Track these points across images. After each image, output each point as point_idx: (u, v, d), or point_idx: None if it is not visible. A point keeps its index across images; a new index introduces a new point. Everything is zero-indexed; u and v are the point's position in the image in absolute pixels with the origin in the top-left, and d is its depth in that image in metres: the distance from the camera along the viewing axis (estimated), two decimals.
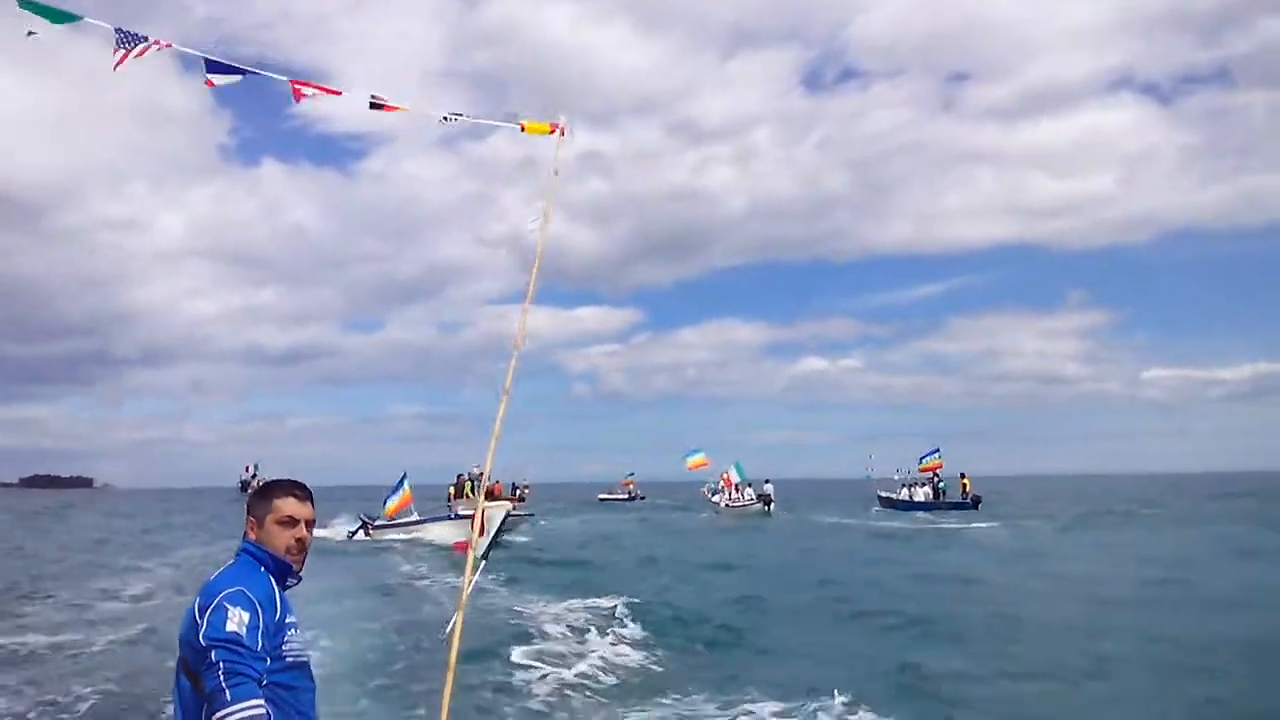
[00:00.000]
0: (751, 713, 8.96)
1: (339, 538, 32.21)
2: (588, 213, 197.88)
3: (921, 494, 43.21)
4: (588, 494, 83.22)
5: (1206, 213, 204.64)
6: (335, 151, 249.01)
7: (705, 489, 53.00)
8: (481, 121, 5.64)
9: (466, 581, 4.56)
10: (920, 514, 40.13)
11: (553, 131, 5.29)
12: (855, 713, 8.80)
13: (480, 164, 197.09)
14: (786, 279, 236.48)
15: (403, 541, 30.79)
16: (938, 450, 42.98)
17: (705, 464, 50.62)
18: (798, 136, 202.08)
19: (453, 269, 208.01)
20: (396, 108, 5.23)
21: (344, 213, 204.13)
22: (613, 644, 12.36)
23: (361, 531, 32.92)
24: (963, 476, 43.44)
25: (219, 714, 2.56)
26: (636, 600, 15.69)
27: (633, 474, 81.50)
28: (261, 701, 2.62)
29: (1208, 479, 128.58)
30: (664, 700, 9.57)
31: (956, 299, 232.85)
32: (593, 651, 11.88)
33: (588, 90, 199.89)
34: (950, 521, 36.10)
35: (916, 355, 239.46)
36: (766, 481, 48.40)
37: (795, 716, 8.78)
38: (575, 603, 15.61)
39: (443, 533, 30.29)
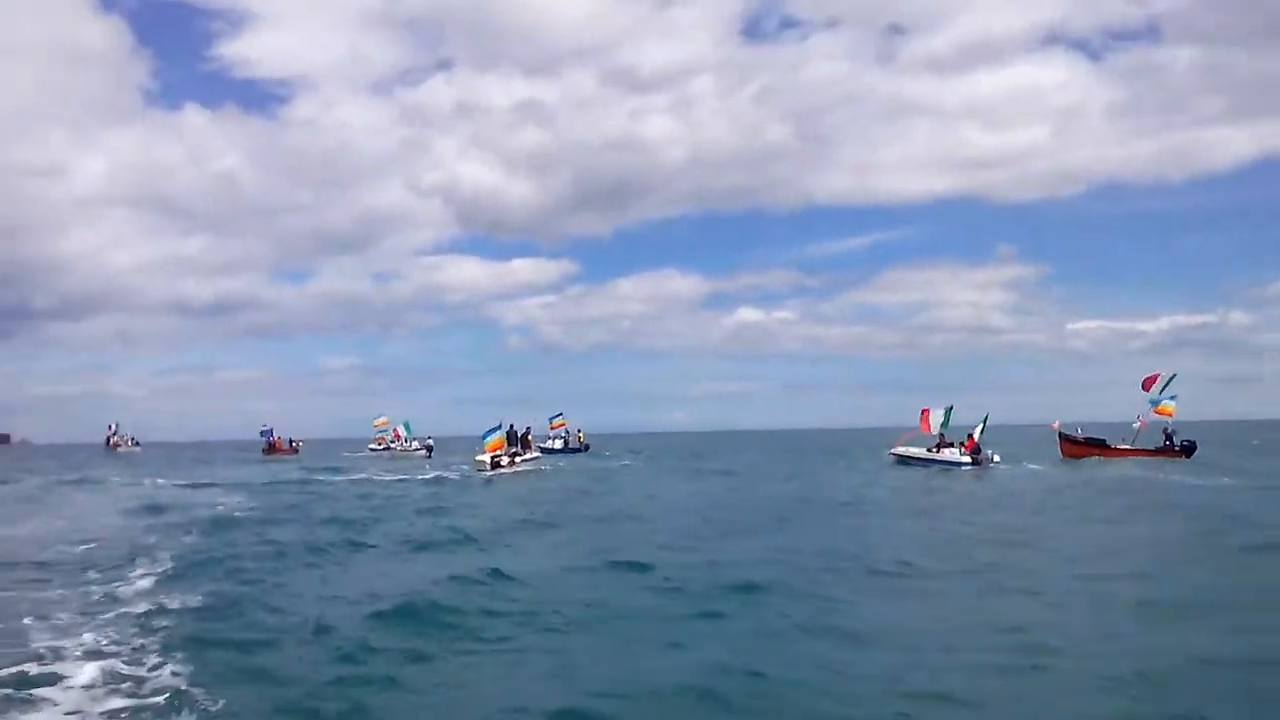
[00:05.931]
0: None
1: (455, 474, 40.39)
2: (525, 162, 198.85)
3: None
4: None
5: (1131, 167, 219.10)
6: (259, 96, 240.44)
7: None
8: None
9: None
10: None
11: None
12: None
13: (414, 111, 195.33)
14: (724, 230, 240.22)
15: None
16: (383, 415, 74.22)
17: (386, 423, 72.43)
18: (737, 86, 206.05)
19: (385, 219, 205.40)
20: None
21: (271, 159, 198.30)
22: None
23: (493, 466, 40.29)
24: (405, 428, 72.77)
25: None
26: None
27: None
28: None
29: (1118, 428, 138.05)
30: None
31: (891, 250, 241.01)
32: None
33: (526, 36, 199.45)
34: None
35: (850, 307, 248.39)
36: (429, 438, 68.58)
37: None
38: None
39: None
